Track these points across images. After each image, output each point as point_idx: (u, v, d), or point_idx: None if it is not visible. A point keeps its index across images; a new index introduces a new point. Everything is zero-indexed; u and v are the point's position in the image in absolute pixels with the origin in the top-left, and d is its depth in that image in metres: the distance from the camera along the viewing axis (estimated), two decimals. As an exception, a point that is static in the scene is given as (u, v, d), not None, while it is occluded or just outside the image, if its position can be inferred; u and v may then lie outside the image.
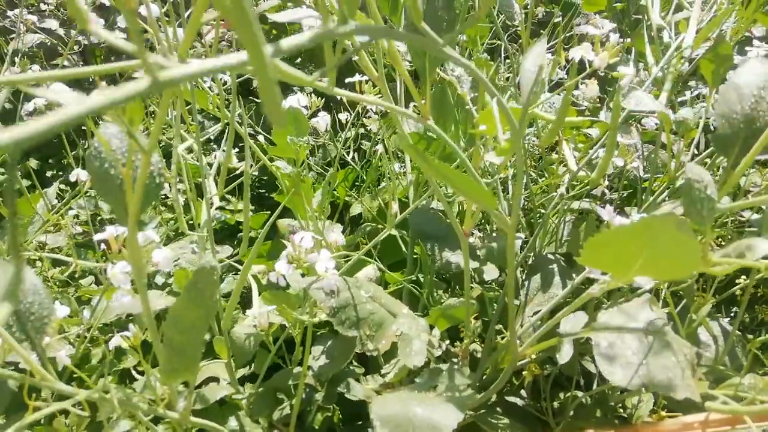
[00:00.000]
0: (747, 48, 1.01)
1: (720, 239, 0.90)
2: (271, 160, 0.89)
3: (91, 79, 1.25)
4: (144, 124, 0.93)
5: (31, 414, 0.43)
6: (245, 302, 0.83)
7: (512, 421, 0.74)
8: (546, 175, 1.05)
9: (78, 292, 0.95)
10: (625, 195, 1.05)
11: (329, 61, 0.35)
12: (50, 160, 1.38)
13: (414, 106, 0.91)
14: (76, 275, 0.99)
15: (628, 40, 1.05)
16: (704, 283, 0.81)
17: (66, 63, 1.39)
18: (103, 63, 1.50)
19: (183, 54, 0.36)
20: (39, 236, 1.01)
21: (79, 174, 0.95)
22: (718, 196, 0.49)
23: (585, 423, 0.76)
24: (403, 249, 0.96)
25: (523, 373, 0.74)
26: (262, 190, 1.34)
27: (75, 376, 0.54)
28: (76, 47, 1.44)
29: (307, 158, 1.08)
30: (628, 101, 0.74)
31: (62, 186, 1.23)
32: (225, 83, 1.06)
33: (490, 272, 0.87)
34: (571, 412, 0.77)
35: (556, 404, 0.82)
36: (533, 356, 0.72)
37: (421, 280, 0.90)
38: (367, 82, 0.93)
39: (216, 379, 0.79)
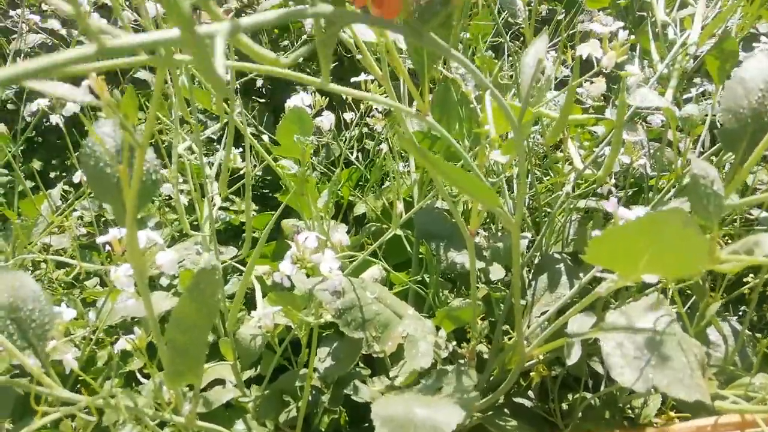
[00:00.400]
0: (753, 44, 1.00)
1: (728, 238, 0.89)
2: (276, 160, 0.88)
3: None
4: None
5: (40, 419, 0.43)
6: (251, 303, 0.83)
7: (520, 423, 0.73)
8: (551, 174, 1.04)
9: (83, 293, 0.94)
10: (631, 193, 1.04)
11: (322, 55, 0.34)
12: (53, 161, 1.38)
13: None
14: (81, 277, 0.98)
15: (632, 36, 1.05)
16: (713, 281, 0.81)
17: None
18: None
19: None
20: (43, 238, 1.01)
21: (82, 175, 0.95)
22: (726, 193, 0.48)
23: (593, 424, 0.76)
24: (408, 249, 0.96)
25: (531, 374, 0.73)
26: (266, 190, 1.33)
27: (81, 379, 0.54)
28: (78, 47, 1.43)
29: (312, 157, 1.07)
30: (634, 98, 0.73)
31: (66, 187, 1.23)
32: (227, 82, 1.06)
33: (497, 272, 0.86)
34: (580, 414, 0.76)
35: (564, 405, 0.82)
36: (541, 357, 0.71)
37: (427, 280, 0.89)
38: (372, 81, 0.92)
39: (222, 382, 0.79)
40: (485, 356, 0.81)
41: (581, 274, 0.81)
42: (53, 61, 0.21)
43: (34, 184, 1.19)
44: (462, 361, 0.74)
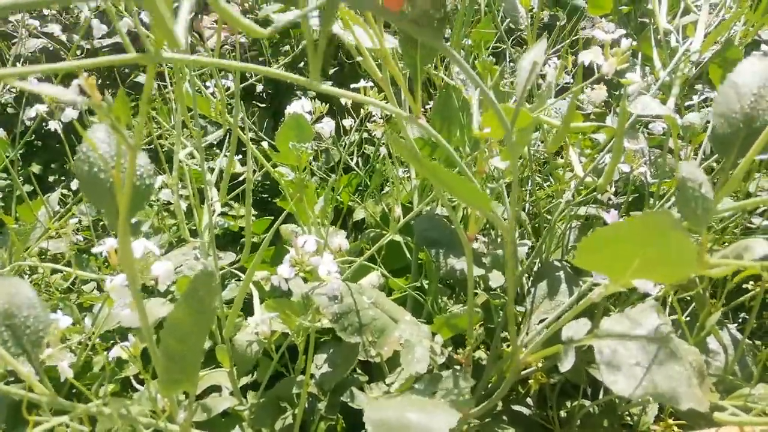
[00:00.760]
0: (755, 52, 0.99)
1: (727, 246, 0.89)
2: (275, 166, 0.88)
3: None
4: (147, 129, 0.93)
5: (32, 429, 0.42)
6: (249, 309, 0.83)
7: (518, 430, 0.73)
8: (552, 180, 1.04)
9: (80, 298, 0.94)
10: (632, 200, 1.04)
11: (311, 55, 0.34)
12: (53, 165, 1.38)
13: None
14: (78, 281, 0.98)
15: (634, 43, 1.04)
16: (714, 289, 0.80)
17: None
18: (105, 68, 1.50)
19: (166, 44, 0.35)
20: (41, 243, 1.01)
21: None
22: (718, 198, 0.48)
23: (592, 432, 0.75)
24: (408, 255, 0.96)
25: (529, 381, 0.73)
26: (266, 195, 1.33)
27: (76, 386, 0.53)
28: (78, 52, 1.44)
29: (311, 163, 1.07)
30: (635, 106, 0.73)
31: (65, 191, 1.23)
32: (228, 89, 1.06)
33: (496, 279, 0.86)
34: (578, 422, 0.76)
35: (562, 413, 0.81)
36: (539, 364, 0.71)
37: (426, 286, 0.89)
38: (372, 88, 0.92)
39: (218, 388, 0.78)
40: (485, 363, 0.80)
41: (581, 282, 0.80)
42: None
43: (33, 188, 1.18)
44: (457, 368, 0.74)
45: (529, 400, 0.81)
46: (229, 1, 1.68)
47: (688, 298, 0.83)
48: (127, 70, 1.57)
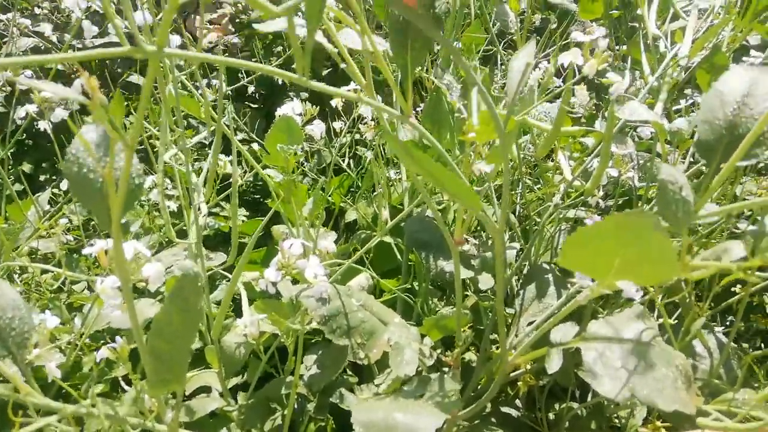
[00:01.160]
0: (744, 58, 1.00)
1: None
2: (265, 167, 0.88)
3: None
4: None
5: (18, 430, 0.42)
6: (239, 310, 0.83)
7: (506, 432, 0.73)
8: (542, 183, 1.05)
9: (70, 298, 0.94)
10: (620, 203, 1.05)
11: (296, 51, 0.34)
12: (44, 164, 1.38)
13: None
14: (68, 281, 0.98)
15: (625, 48, 1.05)
16: (700, 292, 0.81)
17: (60, 67, 1.39)
18: (97, 67, 1.49)
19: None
20: (31, 242, 1.00)
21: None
22: (700, 202, 0.48)
23: (579, 434, 0.76)
24: (398, 257, 0.96)
25: (518, 383, 0.73)
26: (257, 196, 1.33)
27: (64, 386, 0.53)
28: (69, 51, 1.43)
29: (302, 165, 1.07)
30: (623, 111, 0.73)
31: (55, 191, 1.22)
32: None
33: (486, 281, 0.86)
34: (567, 424, 0.76)
35: (551, 415, 0.82)
36: (528, 366, 0.71)
37: (416, 288, 0.89)
38: (361, 91, 0.92)
39: (207, 389, 0.78)
40: (474, 365, 0.81)
41: (569, 284, 0.81)
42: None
43: (23, 187, 1.18)
44: (446, 369, 0.74)
45: (518, 402, 0.81)
46: (222, 2, 1.68)
47: (677, 301, 0.83)
48: (119, 70, 1.57)
